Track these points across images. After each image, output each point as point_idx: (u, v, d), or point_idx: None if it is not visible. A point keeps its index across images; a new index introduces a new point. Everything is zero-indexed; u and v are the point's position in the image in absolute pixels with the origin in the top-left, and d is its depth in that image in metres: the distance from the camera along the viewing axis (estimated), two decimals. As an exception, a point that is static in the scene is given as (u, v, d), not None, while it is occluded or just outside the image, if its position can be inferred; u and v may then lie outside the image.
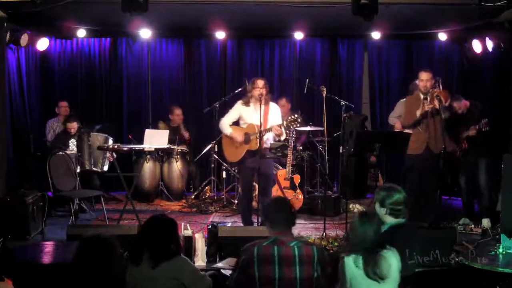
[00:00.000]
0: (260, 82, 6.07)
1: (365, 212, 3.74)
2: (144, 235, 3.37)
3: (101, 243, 2.67)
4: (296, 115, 5.95)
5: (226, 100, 8.11)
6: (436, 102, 6.22)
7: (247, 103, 6.15)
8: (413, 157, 6.49)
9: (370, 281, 3.35)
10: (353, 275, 3.38)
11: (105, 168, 7.66)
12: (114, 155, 7.26)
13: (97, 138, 7.68)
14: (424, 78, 6.41)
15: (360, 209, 7.14)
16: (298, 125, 6.06)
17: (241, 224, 6.28)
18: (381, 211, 3.85)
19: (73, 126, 7.58)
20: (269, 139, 6.23)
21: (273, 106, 6.22)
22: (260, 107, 5.88)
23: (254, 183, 6.92)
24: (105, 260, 2.61)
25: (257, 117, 5.91)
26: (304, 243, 3.41)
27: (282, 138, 6.37)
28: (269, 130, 6.01)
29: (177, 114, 8.49)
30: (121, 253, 2.74)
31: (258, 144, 5.85)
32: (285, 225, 3.41)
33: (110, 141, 7.71)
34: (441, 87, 6.37)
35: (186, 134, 8.42)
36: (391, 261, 3.40)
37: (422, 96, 6.34)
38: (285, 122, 5.99)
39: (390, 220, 3.83)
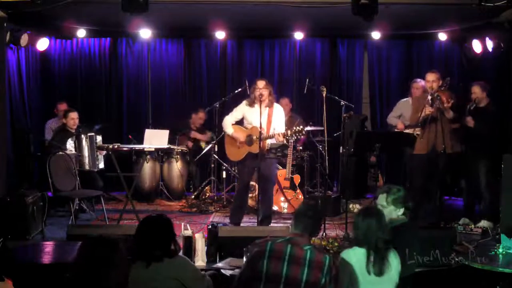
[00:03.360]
0: (261, 83, 6.06)
1: (372, 207, 3.74)
2: (140, 236, 3.37)
3: (105, 244, 2.66)
4: (301, 127, 5.95)
5: (226, 100, 8.12)
6: (437, 103, 6.21)
7: (251, 104, 6.14)
8: (418, 157, 6.49)
9: (369, 277, 3.36)
10: (353, 269, 3.38)
11: (101, 165, 7.65)
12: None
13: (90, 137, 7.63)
14: (430, 79, 6.40)
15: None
16: (301, 136, 6.07)
17: (242, 224, 6.29)
18: (396, 212, 3.83)
19: (75, 116, 7.45)
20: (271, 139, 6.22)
21: (277, 108, 6.21)
22: (260, 107, 5.87)
23: (253, 183, 6.92)
24: (108, 261, 2.61)
25: (261, 119, 5.92)
26: (318, 249, 3.40)
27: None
28: (272, 137, 6.01)
29: (200, 117, 8.53)
30: (126, 255, 2.73)
31: (259, 146, 5.83)
32: (306, 230, 3.42)
33: (99, 138, 7.69)
34: (447, 87, 6.33)
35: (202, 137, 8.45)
36: (392, 262, 3.42)
37: (429, 97, 6.33)
38: (289, 132, 5.97)
39: (400, 219, 3.83)
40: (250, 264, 3.31)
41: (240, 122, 6.31)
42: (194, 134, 8.58)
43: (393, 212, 3.81)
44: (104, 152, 7.51)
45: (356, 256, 3.40)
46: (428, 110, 6.25)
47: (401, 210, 3.81)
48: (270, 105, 6.10)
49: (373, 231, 3.40)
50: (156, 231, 3.36)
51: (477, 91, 6.56)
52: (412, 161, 6.74)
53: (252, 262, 3.30)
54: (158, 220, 3.46)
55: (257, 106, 6.02)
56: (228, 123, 6.24)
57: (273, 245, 3.29)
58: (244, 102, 6.25)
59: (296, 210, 3.60)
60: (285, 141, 6.24)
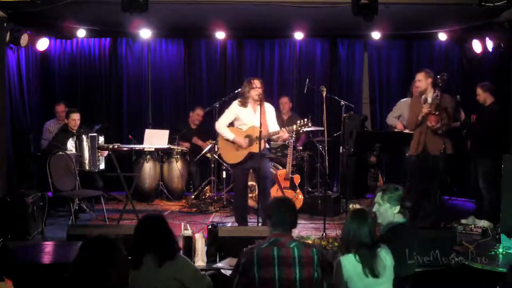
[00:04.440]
0: (258, 82, 6.04)
1: (358, 209, 3.75)
2: (143, 237, 3.36)
3: (104, 244, 2.67)
4: (306, 120, 5.92)
5: (226, 100, 8.11)
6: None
7: (244, 104, 6.09)
8: (412, 158, 6.52)
9: (367, 280, 3.37)
10: (350, 276, 3.39)
11: (102, 166, 7.65)
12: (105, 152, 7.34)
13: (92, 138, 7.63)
14: (416, 79, 6.43)
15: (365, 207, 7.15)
16: (309, 127, 6.05)
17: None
18: (391, 210, 3.84)
19: (77, 117, 7.44)
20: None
21: (268, 106, 6.18)
22: (261, 108, 5.86)
23: (253, 183, 6.92)
24: (107, 261, 2.61)
25: (257, 119, 5.89)
26: (303, 244, 3.41)
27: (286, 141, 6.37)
28: (277, 133, 5.98)
29: (198, 114, 8.55)
30: (125, 255, 2.74)
31: (259, 146, 5.82)
32: (286, 227, 3.41)
33: (101, 139, 7.69)
34: (440, 83, 6.29)
35: (204, 144, 8.45)
36: (385, 259, 3.43)
37: (422, 98, 6.35)
38: (295, 126, 5.95)
39: (398, 219, 3.84)
40: (243, 274, 3.29)
41: (230, 123, 6.24)
42: (196, 140, 8.56)
43: (388, 210, 3.83)
44: (106, 153, 7.52)
45: (350, 262, 3.41)
46: (425, 109, 6.25)
47: (397, 209, 3.83)
48: (262, 104, 6.06)
49: (353, 234, 3.42)
50: (159, 230, 3.37)
51: (479, 92, 6.65)
52: (409, 161, 6.78)
53: (244, 272, 3.28)
54: (157, 219, 3.47)
55: (250, 106, 6.01)
56: (224, 127, 6.13)
57: (260, 252, 3.27)
58: (236, 102, 6.15)
59: (268, 211, 3.54)
60: (290, 136, 6.20)
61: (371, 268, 3.36)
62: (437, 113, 6.23)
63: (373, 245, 3.43)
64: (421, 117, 6.30)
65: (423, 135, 6.36)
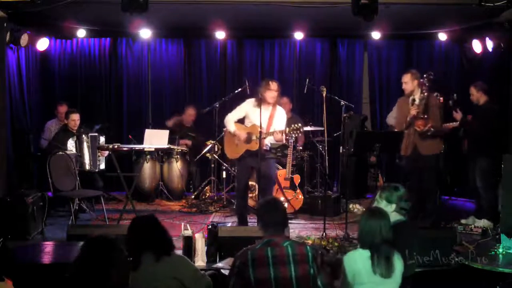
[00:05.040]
0: (274, 85, 6.05)
1: (374, 208, 3.77)
2: (139, 237, 3.37)
3: (105, 244, 2.67)
4: (299, 124, 5.93)
5: (226, 100, 8.11)
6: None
7: (258, 105, 6.08)
8: (404, 157, 6.55)
9: (374, 278, 3.37)
10: (358, 271, 3.40)
11: (102, 166, 7.65)
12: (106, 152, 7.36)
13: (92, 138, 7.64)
14: (402, 81, 6.43)
15: (365, 207, 7.14)
16: (299, 134, 6.06)
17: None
18: (388, 208, 3.86)
19: (76, 117, 7.46)
20: (270, 139, 6.23)
21: (280, 110, 6.19)
22: (260, 107, 5.87)
23: (253, 183, 6.92)
24: (108, 261, 2.61)
25: (264, 119, 5.92)
26: (297, 243, 3.43)
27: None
28: (271, 134, 6.00)
29: (190, 114, 8.53)
30: (126, 256, 2.74)
31: (259, 145, 5.83)
32: (277, 227, 3.40)
33: (102, 139, 7.70)
34: (427, 82, 6.28)
35: (188, 142, 8.46)
36: (396, 263, 3.43)
37: (410, 99, 6.37)
38: (287, 129, 5.96)
39: (396, 218, 3.85)
40: (239, 277, 3.28)
41: (241, 121, 6.29)
42: (178, 120, 8.50)
43: (385, 208, 3.86)
44: (106, 153, 7.52)
45: (361, 259, 3.42)
46: (413, 110, 6.25)
47: (393, 207, 3.86)
48: (273, 106, 6.10)
49: (375, 232, 3.43)
50: (153, 228, 3.39)
51: (473, 92, 6.69)
52: (402, 161, 6.80)
53: (240, 274, 3.27)
54: (148, 218, 3.48)
55: (262, 106, 6.02)
56: (231, 121, 6.20)
57: (254, 253, 3.28)
58: (250, 101, 6.16)
59: (257, 214, 3.54)
60: (284, 140, 6.23)
61: (380, 267, 3.37)
62: (425, 116, 6.23)
63: (386, 245, 3.43)
64: (409, 119, 6.31)
65: (411, 136, 6.36)
